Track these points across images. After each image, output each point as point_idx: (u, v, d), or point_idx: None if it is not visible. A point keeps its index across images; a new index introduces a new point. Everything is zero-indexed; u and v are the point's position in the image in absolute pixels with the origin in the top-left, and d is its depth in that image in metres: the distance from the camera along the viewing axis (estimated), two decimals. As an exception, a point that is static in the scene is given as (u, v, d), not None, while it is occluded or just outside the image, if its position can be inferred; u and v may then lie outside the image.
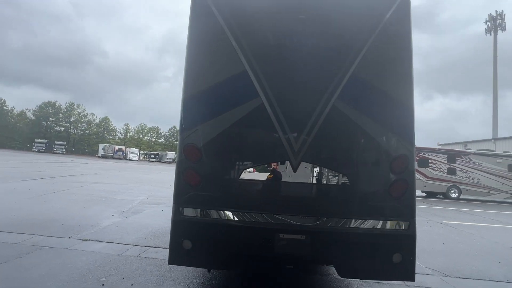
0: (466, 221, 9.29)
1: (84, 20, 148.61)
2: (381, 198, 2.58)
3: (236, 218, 2.58)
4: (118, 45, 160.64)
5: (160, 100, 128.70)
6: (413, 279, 2.55)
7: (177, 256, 2.64)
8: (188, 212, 2.64)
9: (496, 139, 28.38)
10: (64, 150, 62.83)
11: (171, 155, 67.72)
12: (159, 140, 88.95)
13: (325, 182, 2.61)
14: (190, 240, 2.61)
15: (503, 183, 16.76)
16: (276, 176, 2.68)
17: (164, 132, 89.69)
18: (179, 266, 3.37)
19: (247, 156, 2.72)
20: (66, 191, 9.51)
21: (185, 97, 2.80)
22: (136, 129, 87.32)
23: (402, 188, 2.59)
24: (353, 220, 2.55)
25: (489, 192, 16.71)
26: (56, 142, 64.10)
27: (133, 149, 66.66)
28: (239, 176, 2.65)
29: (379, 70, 2.74)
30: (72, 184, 11.46)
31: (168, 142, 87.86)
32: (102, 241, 4.46)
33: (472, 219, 9.89)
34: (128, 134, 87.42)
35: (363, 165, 2.64)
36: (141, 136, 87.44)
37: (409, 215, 2.58)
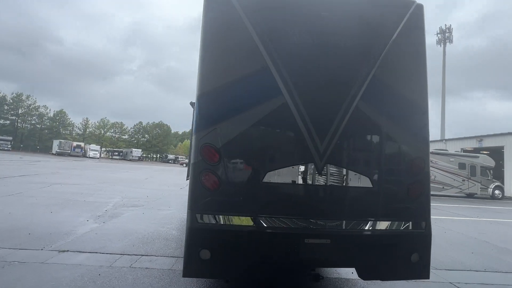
0: (432, 214, 10.15)
1: (35, 2, 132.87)
2: (400, 200, 2.62)
3: (259, 224, 2.42)
4: (76, 32, 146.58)
5: (125, 94, 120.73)
6: (428, 277, 2.63)
7: (194, 268, 2.40)
8: (206, 219, 2.41)
9: (446, 140, 31.65)
10: (9, 146, 55.61)
11: (137, 152, 64.01)
12: (123, 137, 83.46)
13: (348, 184, 2.57)
14: (209, 249, 2.38)
15: (454, 179, 18.82)
16: (300, 178, 2.56)
17: (129, 128, 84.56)
18: (181, 277, 3.10)
19: (270, 158, 2.56)
20: (23, 193, 8.36)
21: (201, 93, 2.55)
22: (97, 124, 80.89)
23: (420, 189, 2.66)
24: (375, 222, 2.55)
25: (443, 187, 18.59)
26: (-1, 137, 56.53)
27: (93, 146, 61.57)
28: (262, 179, 2.49)
29: (397, 73, 2.77)
30: (29, 185, 10.13)
31: (133, 139, 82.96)
32: (83, 252, 3.95)
33: (436, 212, 10.87)
34: (87, 130, 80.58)
35: (384, 167, 2.65)
36: (102, 132, 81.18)
37: (426, 215, 2.66)
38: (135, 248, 4.24)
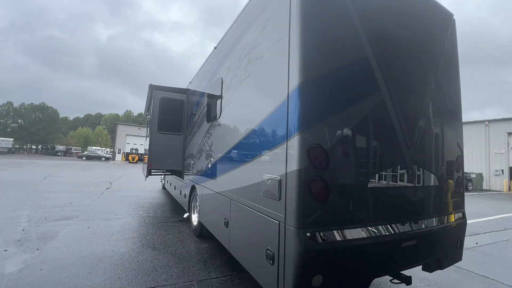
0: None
1: None
2: (454, 193, 2.90)
3: (368, 234, 2.15)
4: None
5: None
6: (461, 259, 3.03)
7: (306, 301, 1.91)
8: (319, 237, 1.95)
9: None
10: None
11: (6, 142, 48.26)
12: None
13: (426, 184, 2.62)
14: (322, 274, 1.95)
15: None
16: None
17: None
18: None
19: (373, 160, 2.28)
20: None
21: (305, 80, 2.01)
22: None
23: (461, 184, 3.02)
24: (443, 216, 2.73)
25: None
26: None
27: None
28: (368, 183, 2.21)
29: (448, 78, 2.99)
30: None
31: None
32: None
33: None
34: None
35: (445, 165, 2.84)
36: None
37: (463, 205, 3.04)
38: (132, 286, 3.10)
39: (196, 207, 5.26)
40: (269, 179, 2.27)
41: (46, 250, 3.93)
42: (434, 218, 2.63)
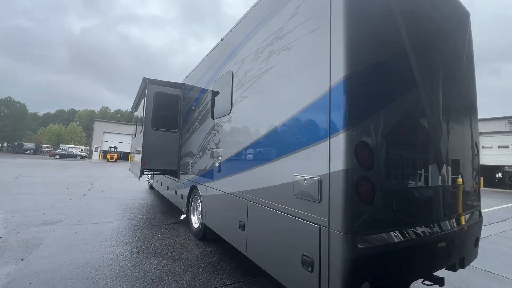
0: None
1: None
2: (474, 192, 2.91)
3: (411, 237, 2.05)
4: None
5: None
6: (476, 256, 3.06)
7: (356, 311, 1.77)
8: (367, 242, 1.81)
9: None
10: None
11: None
12: None
13: (454, 183, 2.59)
14: (370, 281, 1.82)
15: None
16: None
17: None
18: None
19: (413, 159, 2.19)
20: None
21: (351, 73, 1.86)
22: None
23: (479, 181, 3.04)
24: (468, 215, 2.72)
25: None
26: None
27: None
28: (408, 184, 2.11)
29: (468, 76, 2.99)
30: None
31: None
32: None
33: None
34: None
35: (469, 165, 2.84)
36: None
37: (480, 203, 3.07)
38: (132, 293, 2.80)
39: (196, 209, 4.99)
40: (304, 180, 2.10)
41: (33, 260, 3.50)
42: (462, 217, 2.61)
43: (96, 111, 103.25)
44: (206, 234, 4.43)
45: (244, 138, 3.14)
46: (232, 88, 3.58)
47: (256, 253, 2.75)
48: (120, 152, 40.76)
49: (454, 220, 2.50)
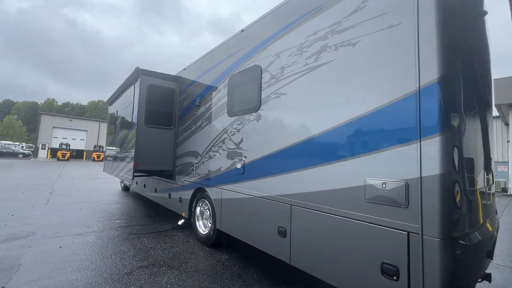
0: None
1: None
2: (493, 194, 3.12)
3: (482, 237, 2.09)
4: None
5: None
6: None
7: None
8: (460, 246, 1.79)
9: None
10: None
11: None
12: None
13: (489, 184, 2.72)
14: (462, 285, 1.80)
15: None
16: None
17: None
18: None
19: (476, 161, 2.22)
20: None
21: (446, 74, 1.79)
22: None
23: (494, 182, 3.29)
24: (495, 217, 2.90)
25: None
26: None
27: None
28: (474, 186, 2.14)
29: (490, 76, 3.13)
30: None
31: None
32: None
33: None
34: None
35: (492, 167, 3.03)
36: None
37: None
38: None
39: (203, 213, 4.61)
40: (383, 184, 1.99)
41: (17, 287, 2.83)
42: (494, 217, 2.77)
43: (40, 103, 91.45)
44: (220, 241, 4.10)
45: (283, 137, 2.92)
46: (260, 83, 3.32)
47: (306, 261, 2.57)
48: (73, 150, 36.74)
49: (491, 218, 2.64)
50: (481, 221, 2.27)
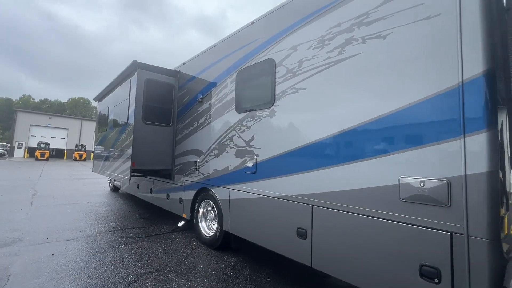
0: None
1: None
2: None
3: None
4: None
5: None
6: None
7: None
8: (506, 246, 1.74)
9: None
10: None
11: None
12: None
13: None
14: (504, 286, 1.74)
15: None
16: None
17: None
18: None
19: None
20: None
21: (491, 68, 1.72)
22: None
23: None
24: None
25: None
26: None
27: None
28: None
29: None
30: None
31: None
32: None
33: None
34: None
35: None
36: None
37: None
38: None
39: (207, 214, 4.41)
40: (420, 182, 1.90)
41: (11, 301, 2.53)
42: None
43: (14, 99, 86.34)
44: (229, 243, 3.92)
45: (302, 134, 2.79)
46: (274, 78, 3.17)
47: (331, 264, 2.46)
48: (53, 149, 35.01)
49: None
50: None
